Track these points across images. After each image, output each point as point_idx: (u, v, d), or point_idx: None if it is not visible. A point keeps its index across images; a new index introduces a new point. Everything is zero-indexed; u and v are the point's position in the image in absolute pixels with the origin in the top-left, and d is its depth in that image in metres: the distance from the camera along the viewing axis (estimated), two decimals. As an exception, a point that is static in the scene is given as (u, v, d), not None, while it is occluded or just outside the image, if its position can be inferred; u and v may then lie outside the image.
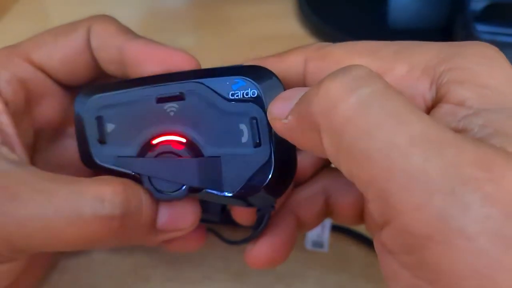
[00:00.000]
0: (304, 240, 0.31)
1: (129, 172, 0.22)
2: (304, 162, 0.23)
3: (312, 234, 0.31)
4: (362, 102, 0.15)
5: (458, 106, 0.18)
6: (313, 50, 0.21)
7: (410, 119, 0.15)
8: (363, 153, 0.15)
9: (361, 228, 0.31)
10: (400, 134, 0.15)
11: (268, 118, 0.19)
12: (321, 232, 0.31)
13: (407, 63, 0.19)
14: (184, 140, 0.21)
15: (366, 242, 0.30)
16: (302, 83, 0.21)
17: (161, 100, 0.21)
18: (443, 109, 0.18)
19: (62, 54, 0.24)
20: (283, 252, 0.24)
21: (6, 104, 0.22)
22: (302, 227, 0.24)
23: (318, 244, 0.30)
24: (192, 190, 0.21)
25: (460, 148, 0.14)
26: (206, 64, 0.23)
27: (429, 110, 0.19)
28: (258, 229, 0.25)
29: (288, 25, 0.49)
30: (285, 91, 0.19)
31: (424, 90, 0.19)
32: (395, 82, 0.19)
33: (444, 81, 0.18)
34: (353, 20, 0.47)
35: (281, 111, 0.18)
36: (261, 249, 0.23)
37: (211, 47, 0.48)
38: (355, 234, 0.31)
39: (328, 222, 0.31)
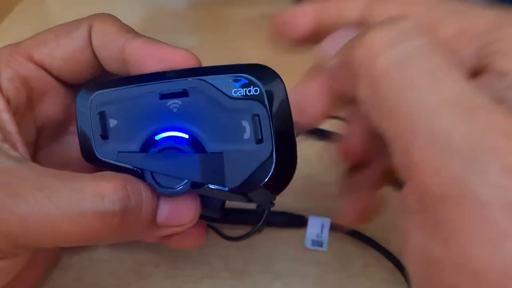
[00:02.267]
0: (303, 239, 0.31)
1: (131, 167, 0.22)
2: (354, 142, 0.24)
3: (312, 234, 0.31)
4: (402, 56, 0.16)
5: (500, 77, 0.18)
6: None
7: (445, 80, 0.15)
8: (393, 108, 0.16)
9: (360, 228, 0.31)
10: (432, 94, 0.15)
11: (317, 56, 0.20)
12: (321, 231, 0.31)
13: (458, 25, 0.19)
14: (187, 136, 0.21)
15: (366, 241, 0.30)
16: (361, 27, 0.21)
17: (165, 96, 0.21)
18: (484, 78, 0.18)
19: (63, 52, 0.24)
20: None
21: (8, 102, 0.22)
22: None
23: (317, 243, 0.31)
24: (195, 185, 0.21)
25: (490, 115, 0.15)
26: (206, 64, 0.23)
27: (469, 77, 0.18)
28: (258, 225, 0.25)
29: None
30: (338, 30, 0.20)
31: (467, 56, 0.19)
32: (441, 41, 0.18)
33: (490, 50, 0.18)
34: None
35: (329, 51, 0.19)
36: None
37: (211, 47, 0.48)
38: (355, 233, 0.31)
39: (327, 222, 0.31)
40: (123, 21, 0.25)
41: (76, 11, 0.54)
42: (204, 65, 0.23)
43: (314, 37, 0.22)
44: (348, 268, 0.29)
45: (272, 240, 0.31)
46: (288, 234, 0.31)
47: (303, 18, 0.22)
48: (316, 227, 0.31)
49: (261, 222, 0.24)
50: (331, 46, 0.19)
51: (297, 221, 0.31)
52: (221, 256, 0.30)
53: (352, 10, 0.21)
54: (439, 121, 0.15)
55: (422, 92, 0.15)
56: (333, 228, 0.31)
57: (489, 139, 0.14)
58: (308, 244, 0.31)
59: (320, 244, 0.31)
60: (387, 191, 0.34)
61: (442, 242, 0.15)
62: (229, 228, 0.30)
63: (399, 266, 0.29)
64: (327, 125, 0.38)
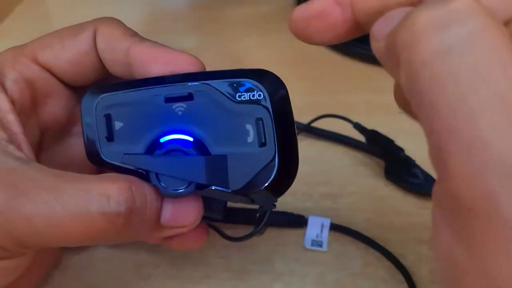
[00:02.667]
0: (303, 240, 0.31)
1: (136, 169, 0.22)
2: None
3: (311, 234, 0.31)
4: (448, 44, 0.14)
5: None
6: None
7: (493, 77, 0.13)
8: (431, 104, 0.14)
9: (360, 227, 0.31)
10: (475, 92, 0.13)
11: (370, 37, 0.17)
12: (320, 231, 0.31)
13: None
14: (191, 139, 0.22)
15: (365, 241, 0.30)
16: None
17: (170, 100, 0.22)
18: None
19: (68, 55, 0.24)
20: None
21: (13, 103, 0.23)
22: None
23: (317, 243, 0.31)
24: (199, 187, 0.22)
25: None
26: (206, 65, 0.23)
27: None
28: (259, 227, 0.25)
29: (287, 26, 0.50)
30: (392, 10, 0.17)
31: None
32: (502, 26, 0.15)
33: None
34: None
35: (379, 33, 0.17)
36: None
37: (211, 47, 0.49)
38: (354, 233, 0.31)
39: (327, 222, 0.31)
40: (123, 21, 0.25)
41: (76, 11, 0.54)
42: (204, 64, 0.23)
43: (359, 27, 0.19)
44: (348, 268, 0.30)
45: (272, 240, 0.31)
46: (288, 234, 0.31)
47: (335, 8, 0.18)
48: (316, 227, 0.31)
49: (262, 224, 0.24)
50: (383, 28, 0.16)
51: (297, 221, 0.32)
52: (221, 256, 0.30)
53: None
54: (479, 126, 0.13)
55: (465, 90, 0.13)
56: (333, 228, 0.31)
57: None
58: (308, 244, 0.31)
59: (320, 244, 0.31)
60: (387, 191, 0.35)
61: (469, 249, 0.14)
62: (229, 228, 0.30)
63: (399, 266, 0.29)
64: (327, 125, 0.38)
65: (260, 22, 0.51)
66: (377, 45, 0.17)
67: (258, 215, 0.26)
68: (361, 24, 0.18)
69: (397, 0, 0.17)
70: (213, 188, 0.21)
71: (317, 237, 0.31)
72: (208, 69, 0.23)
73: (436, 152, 0.14)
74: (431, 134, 0.14)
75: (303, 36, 0.19)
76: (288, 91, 0.22)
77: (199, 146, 0.22)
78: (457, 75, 0.13)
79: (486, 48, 0.14)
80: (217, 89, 0.21)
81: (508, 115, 0.13)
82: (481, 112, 0.13)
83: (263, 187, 0.21)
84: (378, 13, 0.17)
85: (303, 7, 0.19)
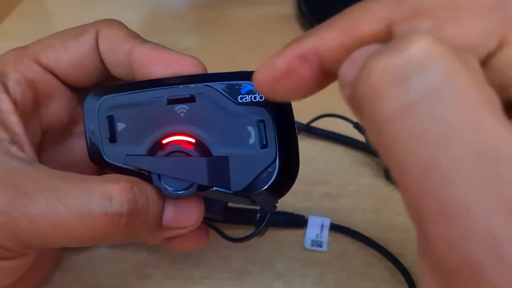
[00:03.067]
0: (303, 240, 0.31)
1: (138, 170, 0.22)
2: None
3: (311, 234, 0.31)
4: (408, 99, 0.12)
5: None
6: (395, 6, 0.15)
7: (465, 135, 0.12)
8: (399, 163, 0.13)
9: (359, 227, 0.31)
10: (446, 152, 0.12)
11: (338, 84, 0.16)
12: (320, 231, 0.31)
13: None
14: (193, 140, 0.22)
15: (365, 241, 0.30)
16: None
17: (172, 101, 0.22)
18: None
19: (70, 57, 0.24)
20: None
21: (15, 104, 0.23)
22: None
23: (317, 243, 0.31)
24: (200, 188, 0.22)
25: None
26: (206, 65, 0.23)
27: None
28: (260, 227, 0.25)
29: (288, 27, 0.50)
30: (357, 50, 0.15)
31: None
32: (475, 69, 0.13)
33: None
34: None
35: (344, 79, 0.15)
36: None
37: (212, 48, 0.49)
38: (354, 233, 0.31)
39: (327, 222, 0.31)
40: (124, 22, 0.25)
41: (76, 12, 0.54)
42: (204, 64, 0.23)
43: (331, 76, 0.17)
44: (348, 268, 0.30)
45: (272, 240, 0.31)
46: (288, 234, 0.31)
47: (300, 65, 0.16)
48: (315, 227, 0.31)
49: (263, 225, 0.25)
50: (348, 73, 0.15)
51: (297, 221, 0.32)
52: (221, 256, 0.30)
53: (371, 24, 0.15)
54: (455, 190, 0.12)
55: (434, 150, 0.12)
56: (333, 228, 0.31)
57: None
58: (307, 244, 0.31)
59: (319, 244, 0.31)
60: (387, 191, 0.35)
61: None
62: (229, 228, 0.30)
63: (399, 266, 0.29)
64: (327, 125, 0.38)
65: (260, 22, 0.51)
66: (344, 92, 0.15)
67: (259, 216, 0.26)
68: (333, 73, 0.16)
69: (360, 39, 0.15)
70: (214, 189, 0.22)
71: (317, 237, 0.31)
72: (208, 69, 0.23)
73: (411, 211, 0.13)
74: (403, 192, 0.13)
75: (273, 96, 0.17)
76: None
77: (201, 147, 0.22)
78: (424, 134, 0.12)
79: (454, 101, 0.12)
80: (219, 91, 0.21)
81: (485, 176, 0.12)
82: (454, 173, 0.12)
83: (264, 189, 0.21)
84: (346, 57, 0.15)
85: (265, 67, 0.17)
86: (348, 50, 0.15)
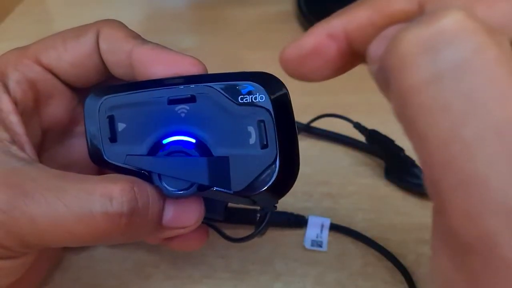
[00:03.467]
0: (303, 240, 0.31)
1: (139, 170, 0.22)
2: None
3: (311, 234, 0.31)
4: (436, 71, 0.12)
5: None
6: None
7: (490, 108, 0.12)
8: (422, 134, 0.13)
9: (359, 227, 0.31)
10: (469, 124, 0.12)
11: (367, 60, 0.16)
12: (320, 231, 0.31)
13: None
14: (194, 141, 0.22)
15: (365, 241, 0.30)
16: None
17: (173, 101, 0.22)
18: None
19: (71, 57, 0.24)
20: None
21: (16, 104, 0.23)
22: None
23: (317, 243, 0.31)
24: (201, 188, 0.22)
25: None
26: (206, 65, 0.23)
27: None
28: (260, 228, 0.25)
29: (288, 27, 0.50)
30: (387, 28, 0.15)
31: None
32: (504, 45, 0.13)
33: None
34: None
35: (373, 55, 0.15)
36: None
37: (211, 47, 0.49)
38: (354, 233, 0.31)
39: (327, 222, 0.31)
40: (123, 21, 0.25)
41: (76, 11, 0.54)
42: (204, 65, 0.23)
43: (358, 57, 0.17)
44: (348, 268, 0.30)
45: (272, 240, 0.31)
46: (288, 234, 0.32)
47: (328, 43, 0.16)
48: (315, 227, 0.31)
49: (263, 225, 0.25)
50: (377, 49, 0.15)
51: (297, 221, 0.32)
52: (221, 256, 0.30)
53: (402, 2, 0.15)
54: (475, 161, 0.12)
55: (458, 122, 0.12)
56: (333, 228, 0.31)
57: None
58: (307, 244, 0.31)
59: (319, 244, 0.31)
60: (387, 191, 0.35)
61: (467, 283, 0.13)
62: (229, 228, 0.30)
63: (399, 266, 0.29)
64: (327, 125, 0.38)
65: (260, 22, 0.51)
66: (372, 68, 0.15)
67: (259, 216, 0.26)
68: (361, 54, 0.17)
69: (391, 17, 0.15)
70: (214, 189, 0.22)
71: (317, 237, 0.31)
72: (208, 69, 0.23)
73: (430, 183, 0.13)
74: (424, 164, 0.13)
75: (298, 75, 0.17)
76: (289, 92, 0.22)
77: (201, 147, 0.22)
78: (449, 106, 0.12)
79: (481, 75, 0.12)
80: (219, 91, 0.21)
81: (506, 149, 0.12)
82: (476, 145, 0.12)
83: (264, 189, 0.21)
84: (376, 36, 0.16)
85: (293, 45, 0.17)
86: (378, 29, 0.16)
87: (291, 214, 0.32)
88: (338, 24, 0.16)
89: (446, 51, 0.12)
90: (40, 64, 0.24)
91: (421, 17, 0.13)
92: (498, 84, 0.12)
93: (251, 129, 0.21)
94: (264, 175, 0.21)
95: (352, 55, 0.17)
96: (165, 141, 0.22)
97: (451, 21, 0.13)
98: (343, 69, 0.18)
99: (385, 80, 0.14)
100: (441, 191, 0.13)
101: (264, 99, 0.21)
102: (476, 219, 0.12)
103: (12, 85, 0.23)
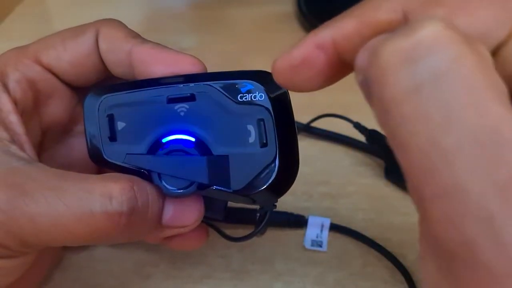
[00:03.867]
0: (303, 240, 0.31)
1: (138, 169, 0.22)
2: None
3: (311, 234, 0.31)
4: (415, 81, 0.13)
5: None
6: None
7: (467, 119, 0.12)
8: (403, 144, 0.13)
9: (359, 227, 0.31)
10: (448, 135, 0.12)
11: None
12: (320, 231, 0.31)
13: None
14: (193, 139, 0.22)
15: (365, 241, 0.30)
16: None
17: (172, 100, 0.22)
18: None
19: (70, 56, 0.24)
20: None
21: (15, 103, 0.23)
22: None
23: (317, 243, 0.31)
24: (200, 187, 0.22)
25: None
26: (206, 64, 0.23)
27: None
28: (259, 227, 0.25)
29: (288, 27, 0.50)
30: (373, 39, 0.15)
31: None
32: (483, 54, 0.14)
33: None
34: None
35: (359, 65, 0.15)
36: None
37: (211, 47, 0.49)
38: (354, 233, 0.31)
39: (327, 222, 0.31)
40: (123, 21, 0.25)
41: (76, 11, 0.54)
42: (204, 64, 0.23)
43: (348, 66, 0.17)
44: (348, 268, 0.30)
45: (272, 240, 0.31)
46: (288, 234, 0.32)
47: (317, 54, 0.17)
48: (315, 227, 0.31)
49: (262, 224, 0.25)
50: (364, 57, 0.15)
51: (297, 221, 0.32)
52: (221, 256, 0.30)
53: (388, 14, 0.16)
54: (454, 170, 0.12)
55: (437, 132, 0.12)
56: (333, 228, 0.31)
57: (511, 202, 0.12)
58: (307, 244, 0.31)
59: (319, 244, 0.31)
60: (387, 191, 0.35)
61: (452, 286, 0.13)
62: (229, 228, 0.30)
63: (399, 266, 0.29)
64: (327, 125, 0.38)
65: (260, 22, 0.51)
66: (357, 78, 0.15)
67: (258, 215, 0.26)
68: (350, 63, 0.17)
69: (377, 28, 0.16)
70: (214, 188, 0.22)
71: (317, 237, 0.31)
72: (208, 69, 0.23)
73: (413, 191, 0.14)
74: (406, 173, 0.14)
75: (290, 86, 0.18)
76: (289, 92, 0.22)
77: (201, 146, 0.22)
78: (429, 115, 0.12)
79: (459, 84, 0.12)
80: (219, 90, 0.22)
81: (484, 157, 0.12)
82: (455, 153, 0.12)
83: (264, 188, 0.21)
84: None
85: (284, 57, 0.17)
86: (365, 39, 0.16)
87: (291, 214, 0.32)
88: (327, 35, 0.17)
89: (425, 61, 0.13)
90: (40, 63, 0.24)
91: (401, 29, 0.13)
92: (476, 92, 0.12)
93: (250, 127, 0.21)
94: (263, 174, 0.21)
95: (342, 65, 0.17)
96: (164, 140, 0.22)
97: (429, 32, 0.13)
98: (334, 78, 0.18)
99: (368, 90, 0.14)
100: (423, 199, 0.13)
101: (263, 97, 0.21)
102: (457, 226, 0.12)
103: (12, 84, 0.23)
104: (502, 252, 0.12)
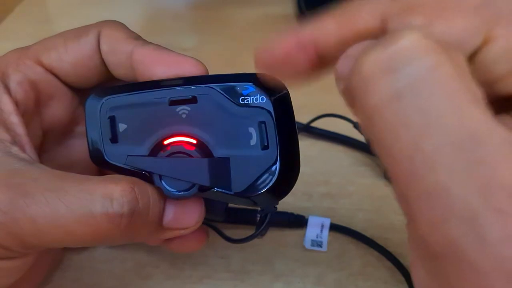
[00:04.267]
0: (303, 240, 0.31)
1: (140, 170, 0.22)
2: None
3: (311, 234, 0.31)
4: (395, 89, 0.13)
5: None
6: (389, 3, 0.16)
7: (447, 124, 0.13)
8: (387, 149, 0.14)
9: (359, 227, 0.31)
10: (428, 137, 0.13)
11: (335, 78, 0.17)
12: (320, 231, 0.31)
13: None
14: (195, 141, 0.22)
15: (365, 241, 0.30)
16: None
17: (174, 102, 0.22)
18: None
19: (72, 58, 0.24)
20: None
21: (17, 104, 0.23)
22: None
23: (317, 243, 0.31)
24: (201, 189, 0.22)
25: (496, 168, 0.12)
26: (206, 64, 0.23)
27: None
28: (260, 229, 0.25)
29: (287, 27, 0.50)
30: (351, 47, 0.16)
31: None
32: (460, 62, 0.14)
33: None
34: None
35: (340, 73, 0.16)
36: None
37: (211, 47, 0.49)
38: (354, 233, 0.31)
39: (327, 222, 0.31)
40: (123, 21, 0.25)
41: (76, 11, 0.54)
42: (205, 66, 0.23)
43: (329, 64, 0.18)
44: (348, 268, 0.30)
45: (272, 240, 0.31)
46: (288, 234, 0.32)
47: (298, 53, 0.17)
48: (315, 227, 0.31)
49: (263, 226, 0.25)
50: (344, 67, 0.15)
51: (297, 221, 0.32)
52: (221, 256, 0.30)
53: (367, 19, 0.16)
54: (435, 172, 0.13)
55: (418, 138, 0.13)
56: (333, 228, 0.31)
57: (492, 201, 0.12)
58: (307, 244, 0.31)
59: (319, 244, 0.31)
60: (387, 191, 0.35)
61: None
62: (229, 228, 0.30)
63: (399, 266, 0.29)
64: (327, 125, 0.38)
65: (260, 22, 0.51)
66: (339, 85, 0.16)
67: (259, 217, 0.26)
68: (331, 62, 0.17)
69: (357, 33, 0.16)
70: (215, 190, 0.22)
71: (317, 237, 0.31)
72: (208, 69, 0.23)
73: (399, 195, 0.14)
74: (391, 177, 0.14)
75: (274, 77, 0.19)
76: (290, 95, 0.22)
77: (202, 148, 0.22)
78: (409, 122, 0.13)
79: (436, 90, 0.13)
80: (220, 92, 0.22)
81: (464, 160, 0.12)
82: (436, 157, 0.13)
83: (265, 190, 0.21)
84: (343, 49, 0.16)
85: (265, 50, 0.18)
86: (345, 42, 0.16)
87: (291, 214, 0.32)
88: (307, 35, 0.17)
89: (403, 70, 0.13)
90: (41, 64, 0.24)
91: (381, 39, 0.14)
92: (453, 98, 0.13)
93: (252, 130, 0.21)
94: (264, 176, 0.21)
95: (322, 63, 0.18)
96: (166, 142, 0.22)
97: (407, 42, 0.13)
98: (315, 75, 0.18)
99: (351, 98, 0.15)
100: (408, 202, 0.13)
101: (265, 100, 0.21)
102: (441, 227, 0.13)
103: (13, 85, 0.23)
104: (486, 250, 0.12)
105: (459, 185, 0.12)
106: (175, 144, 0.22)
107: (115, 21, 0.25)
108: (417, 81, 0.13)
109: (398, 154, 0.13)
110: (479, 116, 0.13)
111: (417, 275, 0.15)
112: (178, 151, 0.22)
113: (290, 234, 0.32)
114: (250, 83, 0.21)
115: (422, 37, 0.13)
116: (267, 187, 0.21)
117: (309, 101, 0.36)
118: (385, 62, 0.13)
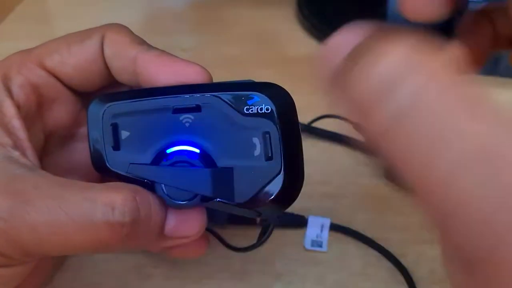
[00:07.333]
0: (303, 240, 0.31)
1: (142, 179, 0.22)
2: None
3: (312, 234, 0.31)
4: (395, 108, 0.13)
5: None
6: None
7: (451, 139, 0.13)
8: (401, 166, 0.14)
9: (360, 227, 0.31)
10: (439, 158, 0.13)
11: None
12: (320, 231, 0.31)
13: None
14: (198, 151, 0.22)
15: (365, 241, 0.30)
16: None
17: (178, 111, 0.22)
18: None
19: (75, 61, 0.24)
20: None
21: (19, 108, 0.22)
22: None
23: (317, 243, 0.31)
24: (204, 199, 0.22)
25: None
26: (206, 65, 0.23)
27: None
28: (262, 238, 0.25)
29: (288, 27, 0.50)
30: (337, 35, 0.16)
31: None
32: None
33: None
34: (353, 22, 0.47)
35: (326, 64, 0.16)
36: None
37: (211, 48, 0.48)
38: (354, 233, 0.31)
39: (327, 222, 0.31)
40: (123, 21, 0.25)
41: (76, 11, 0.54)
42: (210, 73, 0.23)
43: None
44: (348, 268, 0.30)
45: (272, 240, 0.31)
46: (288, 235, 0.32)
47: None
48: (316, 227, 0.31)
49: (265, 236, 0.25)
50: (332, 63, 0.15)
51: (297, 222, 0.32)
52: (221, 256, 0.30)
53: None
54: (455, 189, 0.13)
55: (429, 155, 0.13)
56: (333, 228, 0.31)
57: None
58: (307, 244, 0.31)
59: (319, 244, 0.31)
60: (387, 191, 0.35)
61: None
62: (229, 228, 0.30)
63: (399, 266, 0.29)
64: (327, 125, 0.38)
65: (260, 22, 0.51)
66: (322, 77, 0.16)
67: (262, 227, 0.26)
68: None
69: None
70: (218, 200, 0.22)
71: (317, 237, 0.31)
72: (208, 69, 0.23)
73: (424, 208, 0.14)
74: (413, 188, 0.14)
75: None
76: (292, 97, 0.22)
77: (205, 158, 0.22)
78: (418, 142, 0.13)
79: (434, 110, 0.13)
80: (225, 101, 0.21)
81: (479, 174, 0.12)
82: (452, 175, 0.13)
83: (268, 201, 0.21)
84: None
85: None
86: None
87: (291, 214, 0.32)
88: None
89: (399, 90, 0.13)
90: (44, 68, 0.24)
91: (365, 55, 0.14)
92: (451, 116, 0.13)
93: (256, 140, 0.21)
94: (268, 187, 0.21)
95: None
96: (169, 151, 0.22)
97: (395, 60, 0.14)
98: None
99: (353, 106, 0.15)
100: (437, 219, 0.13)
101: (269, 110, 0.21)
102: (471, 239, 0.13)
103: (15, 89, 0.23)
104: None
105: (480, 198, 0.12)
106: (178, 153, 0.22)
107: (119, 24, 0.25)
108: (411, 102, 0.13)
109: (410, 172, 0.14)
110: (482, 130, 0.13)
111: (454, 279, 0.15)
112: (181, 160, 0.22)
113: (290, 234, 0.32)
114: (256, 93, 0.21)
115: (407, 53, 0.14)
116: (270, 198, 0.21)
117: (310, 101, 0.36)
118: (377, 85, 0.14)
